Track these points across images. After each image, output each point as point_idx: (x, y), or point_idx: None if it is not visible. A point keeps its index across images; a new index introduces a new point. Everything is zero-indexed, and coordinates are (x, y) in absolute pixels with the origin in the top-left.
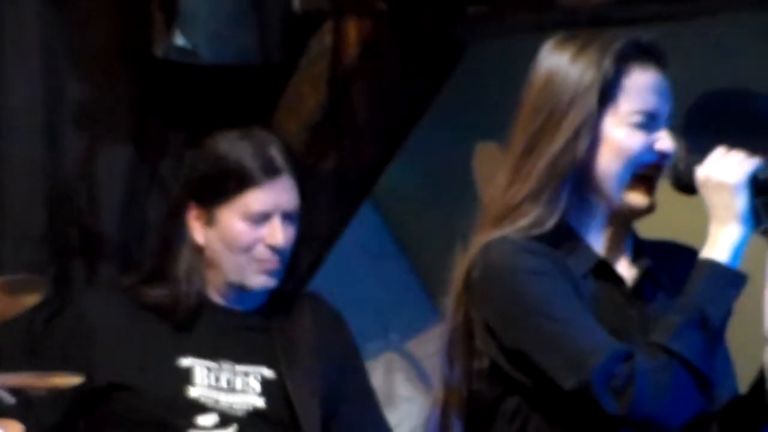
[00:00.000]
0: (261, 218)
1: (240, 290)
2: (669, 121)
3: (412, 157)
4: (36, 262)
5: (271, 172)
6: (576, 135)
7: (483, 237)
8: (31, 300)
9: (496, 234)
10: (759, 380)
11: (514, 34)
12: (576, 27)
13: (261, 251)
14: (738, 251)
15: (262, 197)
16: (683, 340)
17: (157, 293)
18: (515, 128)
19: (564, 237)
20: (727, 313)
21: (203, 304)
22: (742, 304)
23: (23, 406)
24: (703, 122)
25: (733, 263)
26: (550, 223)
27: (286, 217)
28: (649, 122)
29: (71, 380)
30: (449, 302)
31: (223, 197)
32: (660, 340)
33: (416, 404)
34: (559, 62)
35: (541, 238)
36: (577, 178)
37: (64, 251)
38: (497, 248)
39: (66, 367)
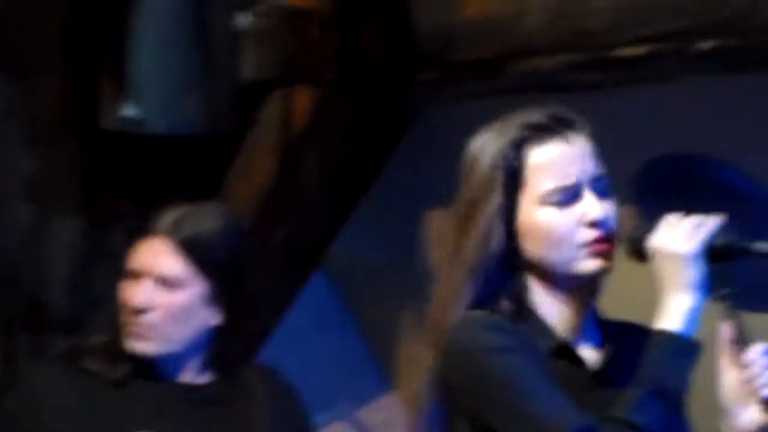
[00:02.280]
0: (136, 277)
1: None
2: (599, 183)
3: (362, 225)
4: None
5: (152, 231)
6: (489, 228)
7: (440, 314)
8: None
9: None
10: None
11: (465, 100)
12: (526, 93)
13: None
14: (692, 320)
15: (135, 256)
16: (643, 412)
17: (96, 354)
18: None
19: (525, 316)
20: (684, 382)
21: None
22: (701, 374)
23: None
24: (652, 188)
25: (686, 332)
26: (504, 305)
27: (162, 282)
28: (569, 197)
29: None
30: (421, 386)
31: None
32: (620, 414)
33: None
34: (476, 146)
35: (504, 315)
36: (516, 265)
37: (9, 325)
38: (462, 328)
39: None
